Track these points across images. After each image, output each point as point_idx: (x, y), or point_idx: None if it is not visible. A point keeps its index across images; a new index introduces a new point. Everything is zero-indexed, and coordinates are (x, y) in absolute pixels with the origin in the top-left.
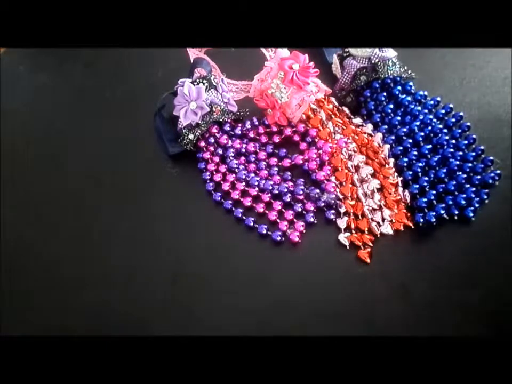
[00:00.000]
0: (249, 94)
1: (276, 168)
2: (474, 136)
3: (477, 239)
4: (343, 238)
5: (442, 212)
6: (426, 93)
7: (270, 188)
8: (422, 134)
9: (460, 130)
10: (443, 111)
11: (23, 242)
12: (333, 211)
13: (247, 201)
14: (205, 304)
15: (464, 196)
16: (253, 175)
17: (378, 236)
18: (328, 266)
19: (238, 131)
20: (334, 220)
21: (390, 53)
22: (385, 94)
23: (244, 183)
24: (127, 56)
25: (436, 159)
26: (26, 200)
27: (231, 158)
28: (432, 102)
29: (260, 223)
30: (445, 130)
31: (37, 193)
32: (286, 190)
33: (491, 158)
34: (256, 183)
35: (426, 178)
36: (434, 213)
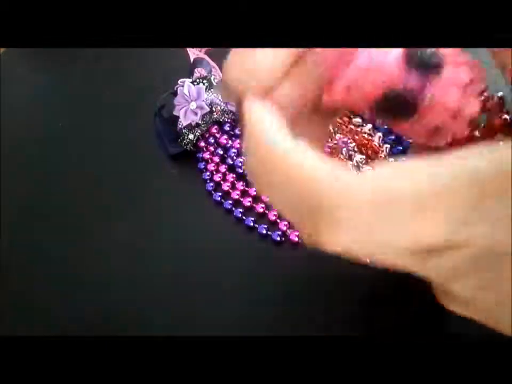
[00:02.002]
0: None
1: None
2: None
3: None
4: None
5: None
6: None
7: None
8: None
9: None
10: None
11: (22, 242)
12: None
13: (247, 201)
14: (204, 304)
15: None
16: None
17: None
18: (327, 266)
19: (238, 131)
20: None
21: None
22: None
23: (244, 183)
24: (127, 56)
25: None
26: (25, 200)
27: (235, 157)
28: None
29: (260, 223)
30: None
31: (37, 193)
32: None
33: None
34: None
35: None
36: None
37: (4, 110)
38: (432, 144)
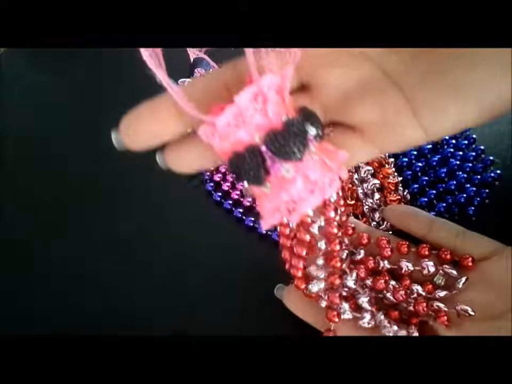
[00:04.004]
0: None
1: None
2: (474, 136)
3: None
4: None
5: (442, 210)
6: None
7: None
8: None
9: None
10: None
11: (23, 242)
12: None
13: (247, 201)
14: (205, 304)
15: (465, 195)
16: None
17: None
18: None
19: None
20: None
21: None
22: None
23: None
24: (127, 56)
25: (436, 158)
26: (25, 200)
27: None
28: None
29: (260, 223)
30: None
31: (37, 193)
32: None
33: (491, 158)
34: None
35: (426, 178)
36: (434, 213)
37: (4, 110)
38: None
